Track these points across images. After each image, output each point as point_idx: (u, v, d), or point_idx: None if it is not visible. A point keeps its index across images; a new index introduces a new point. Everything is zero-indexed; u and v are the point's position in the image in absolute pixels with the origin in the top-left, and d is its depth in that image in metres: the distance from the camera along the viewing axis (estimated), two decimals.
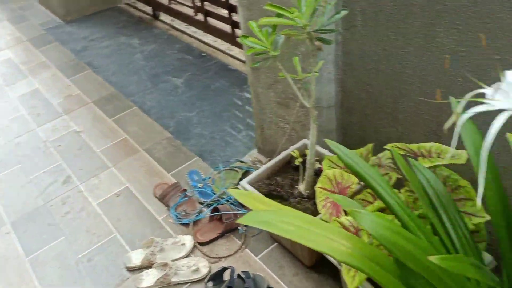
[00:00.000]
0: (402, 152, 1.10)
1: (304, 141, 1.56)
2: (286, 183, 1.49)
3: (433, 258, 0.57)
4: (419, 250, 0.72)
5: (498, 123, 0.52)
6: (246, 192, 0.97)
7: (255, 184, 1.49)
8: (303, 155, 1.48)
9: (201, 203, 1.76)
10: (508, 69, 1.02)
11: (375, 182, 0.83)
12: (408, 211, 0.83)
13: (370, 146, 1.27)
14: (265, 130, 1.86)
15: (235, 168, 1.91)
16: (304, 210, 1.38)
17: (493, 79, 1.05)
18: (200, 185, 1.80)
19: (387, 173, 1.17)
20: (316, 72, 1.16)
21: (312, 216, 0.91)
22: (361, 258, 0.79)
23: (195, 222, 1.69)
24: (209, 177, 1.87)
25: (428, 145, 1.14)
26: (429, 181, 0.89)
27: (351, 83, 1.46)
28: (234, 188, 1.58)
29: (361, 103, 1.47)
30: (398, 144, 1.13)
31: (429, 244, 0.83)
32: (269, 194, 1.45)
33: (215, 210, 1.66)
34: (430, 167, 1.03)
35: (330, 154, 1.47)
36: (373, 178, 0.83)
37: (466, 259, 0.63)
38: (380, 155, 1.24)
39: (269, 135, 1.85)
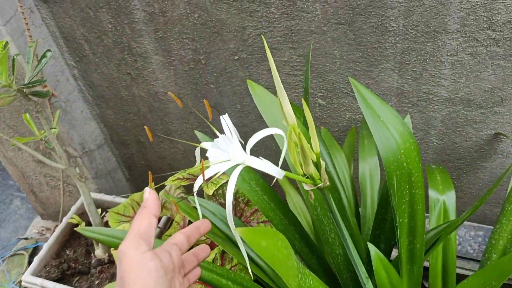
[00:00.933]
0: (185, 183, 1.00)
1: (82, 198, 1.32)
2: (80, 253, 1.25)
3: None
4: None
5: (233, 179, 0.43)
6: None
7: (43, 271, 1.20)
8: None
9: None
10: (247, 65, 0.99)
11: None
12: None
13: (152, 185, 1.13)
14: (38, 194, 1.54)
15: (19, 252, 1.55)
16: (112, 278, 1.18)
17: (240, 77, 1.02)
18: None
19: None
20: (54, 128, 0.94)
21: None
22: None
23: None
24: None
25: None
26: (215, 213, 0.80)
27: (112, 115, 1.28)
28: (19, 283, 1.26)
29: (131, 133, 1.31)
30: (179, 174, 1.02)
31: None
32: (64, 276, 1.20)
33: None
34: (215, 191, 0.95)
35: (120, 200, 1.28)
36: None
37: None
38: (166, 188, 1.11)
39: (46, 197, 1.55)
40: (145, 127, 0.44)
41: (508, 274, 0.49)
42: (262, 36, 0.74)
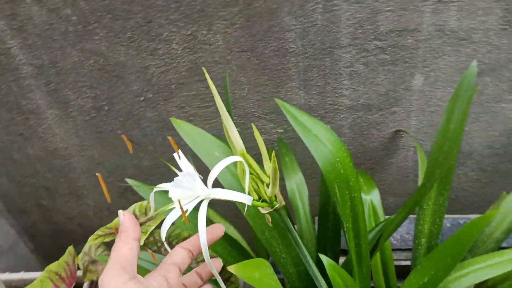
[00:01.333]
0: (109, 239, 0.92)
1: None
2: None
3: None
4: None
5: (202, 214, 0.41)
6: None
7: None
8: None
9: None
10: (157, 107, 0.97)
11: None
12: None
13: (70, 249, 1.02)
14: None
15: None
16: None
17: (149, 118, 0.98)
18: None
19: None
20: None
21: None
22: None
23: None
24: None
25: (131, 208, 1.00)
26: (155, 263, 0.75)
27: (5, 183, 1.14)
28: None
29: (30, 198, 1.18)
30: (99, 231, 0.93)
31: None
32: None
33: None
34: (146, 240, 0.89)
35: (30, 275, 1.13)
36: None
37: None
38: (85, 249, 1.01)
39: None
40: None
41: (462, 253, 0.54)
42: (203, 68, 0.73)
